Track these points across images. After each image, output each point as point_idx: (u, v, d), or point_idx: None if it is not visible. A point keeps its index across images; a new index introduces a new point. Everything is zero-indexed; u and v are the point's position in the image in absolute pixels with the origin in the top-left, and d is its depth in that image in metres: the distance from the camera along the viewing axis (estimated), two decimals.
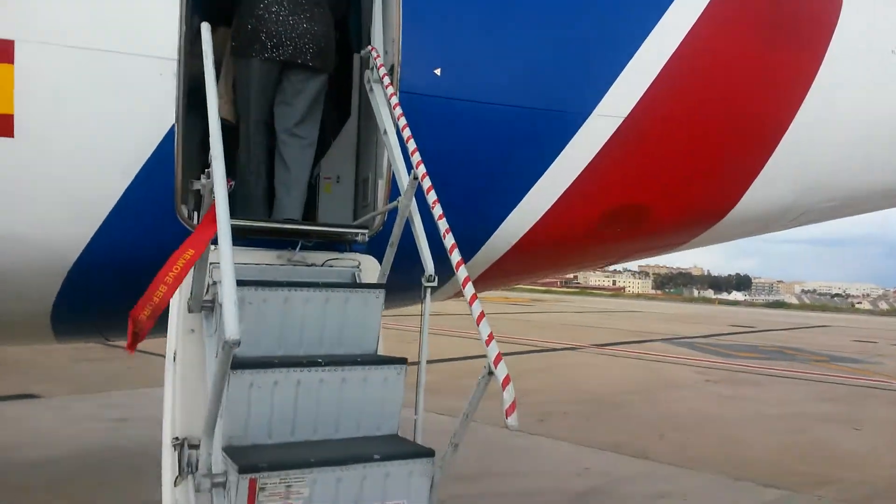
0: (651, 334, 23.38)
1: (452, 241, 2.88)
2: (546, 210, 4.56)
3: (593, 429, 8.63)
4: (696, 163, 5.00)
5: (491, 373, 2.49)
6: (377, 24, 3.99)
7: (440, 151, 4.07)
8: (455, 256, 2.83)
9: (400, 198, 3.36)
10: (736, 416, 9.88)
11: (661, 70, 4.67)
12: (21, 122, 3.25)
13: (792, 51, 5.30)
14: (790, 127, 5.29)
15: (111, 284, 3.67)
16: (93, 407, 8.60)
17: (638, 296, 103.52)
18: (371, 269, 3.75)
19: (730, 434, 8.71)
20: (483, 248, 4.55)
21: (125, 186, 3.48)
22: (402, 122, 3.40)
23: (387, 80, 3.64)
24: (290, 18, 3.87)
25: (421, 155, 4.08)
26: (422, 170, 3.15)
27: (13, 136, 3.24)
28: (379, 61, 3.76)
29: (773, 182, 5.38)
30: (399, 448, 2.96)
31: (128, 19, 3.43)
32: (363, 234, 3.81)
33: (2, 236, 3.38)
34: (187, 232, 3.53)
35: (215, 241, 3.60)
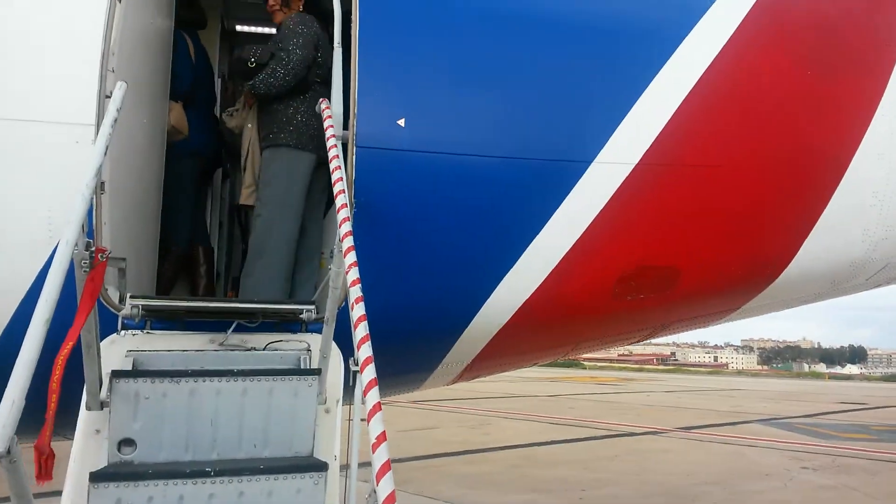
0: (747, 415, 21.32)
1: (361, 313, 2.27)
2: (547, 274, 3.88)
3: None
4: (734, 214, 4.23)
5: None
6: (336, 80, 3.60)
7: (412, 212, 3.58)
8: (360, 332, 2.21)
9: (331, 265, 2.80)
10: None
11: (679, 108, 4.02)
12: None
13: (849, 76, 4.53)
14: (852, 162, 4.45)
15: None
16: None
17: (740, 372, 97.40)
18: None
19: None
20: (475, 320, 3.90)
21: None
22: (336, 175, 2.88)
23: (330, 132, 3.17)
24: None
25: (389, 216, 3.58)
26: (345, 228, 2.58)
27: None
28: (326, 113, 3.32)
29: (835, 230, 4.52)
30: None
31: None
32: (309, 310, 3.24)
33: None
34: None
35: (131, 327, 3.19)
